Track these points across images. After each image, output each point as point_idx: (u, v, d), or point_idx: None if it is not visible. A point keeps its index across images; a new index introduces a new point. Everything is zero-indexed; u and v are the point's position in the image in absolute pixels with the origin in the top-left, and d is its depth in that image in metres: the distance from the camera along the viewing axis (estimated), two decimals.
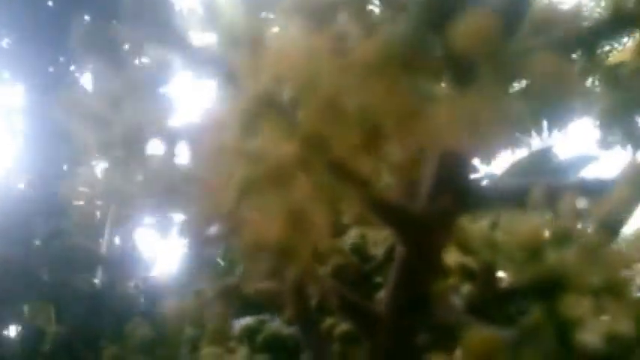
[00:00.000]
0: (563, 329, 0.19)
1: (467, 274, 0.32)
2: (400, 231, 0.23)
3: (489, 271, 0.31)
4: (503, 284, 0.32)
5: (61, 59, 0.48)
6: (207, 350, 0.28)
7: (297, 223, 0.18)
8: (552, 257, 0.19)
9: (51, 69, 0.50)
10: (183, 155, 0.20)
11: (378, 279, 0.39)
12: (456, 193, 0.23)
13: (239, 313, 0.42)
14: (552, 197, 0.20)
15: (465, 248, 0.29)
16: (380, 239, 0.35)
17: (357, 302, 0.26)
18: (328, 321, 0.36)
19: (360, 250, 0.41)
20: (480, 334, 0.19)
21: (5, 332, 0.40)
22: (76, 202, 0.45)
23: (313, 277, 0.24)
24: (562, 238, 0.19)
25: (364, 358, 0.26)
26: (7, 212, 0.41)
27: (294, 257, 0.19)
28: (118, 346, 0.32)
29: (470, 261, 0.32)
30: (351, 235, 0.35)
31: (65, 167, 0.45)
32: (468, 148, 0.15)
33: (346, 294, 0.26)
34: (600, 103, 0.24)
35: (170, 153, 0.20)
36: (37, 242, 0.41)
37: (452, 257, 0.32)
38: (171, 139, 0.20)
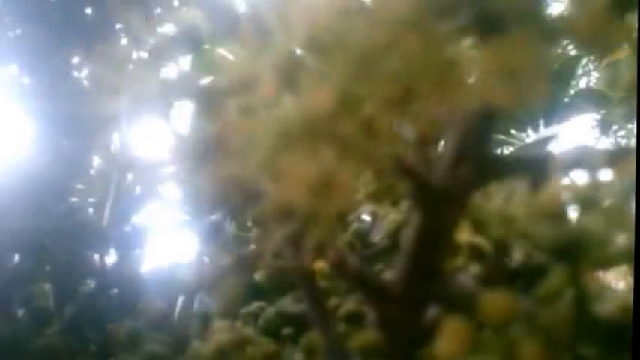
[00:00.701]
0: (583, 296, 0.19)
1: (476, 254, 0.32)
2: (418, 199, 0.23)
3: (500, 251, 0.31)
4: (513, 265, 0.32)
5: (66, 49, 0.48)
6: (218, 323, 0.28)
7: (324, 186, 0.18)
8: (574, 221, 0.19)
9: (56, 59, 0.50)
10: (210, 117, 0.20)
11: (379, 265, 0.39)
12: (477, 163, 0.23)
13: (247, 300, 0.42)
14: (574, 164, 0.21)
15: (479, 225, 0.29)
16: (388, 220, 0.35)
17: (367, 272, 0.26)
18: (333, 300, 0.36)
19: (361, 236, 0.42)
20: (496, 297, 0.19)
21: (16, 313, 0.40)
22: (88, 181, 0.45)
23: (332, 245, 0.24)
24: (585, 202, 0.20)
25: (373, 330, 0.26)
26: (18, 190, 0.41)
27: (317, 222, 0.19)
28: (132, 321, 0.32)
29: (480, 241, 0.32)
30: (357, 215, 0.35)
31: (77, 147, 0.45)
32: (504, 101, 0.15)
33: (357, 264, 0.26)
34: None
35: (197, 114, 0.20)
36: (49, 220, 0.41)
37: (462, 236, 0.32)
38: (199, 99, 0.20)
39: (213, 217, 0.27)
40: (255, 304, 0.41)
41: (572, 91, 0.64)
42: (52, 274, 0.41)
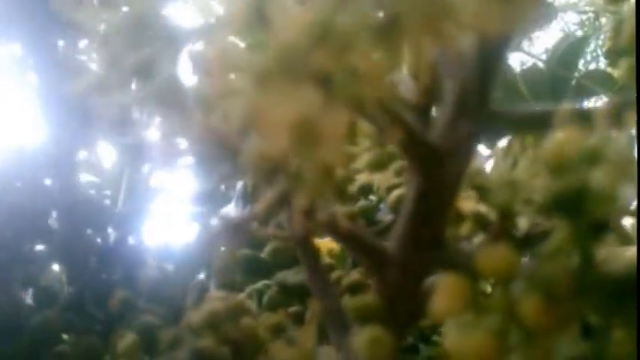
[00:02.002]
0: (588, 251, 0.18)
1: (481, 223, 0.31)
2: (416, 158, 0.23)
3: (505, 219, 0.30)
4: (519, 234, 0.31)
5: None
6: (214, 293, 0.27)
7: (308, 132, 0.17)
8: (580, 173, 0.18)
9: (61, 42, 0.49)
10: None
11: None
12: (478, 118, 0.22)
13: (249, 281, 0.41)
14: (579, 118, 0.20)
15: (482, 191, 0.28)
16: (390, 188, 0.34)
17: (367, 238, 0.26)
18: (336, 272, 0.35)
19: (367, 214, 0.41)
20: (496, 251, 0.18)
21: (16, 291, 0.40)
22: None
23: (324, 206, 0.23)
24: (588, 156, 0.18)
25: (374, 296, 0.25)
26: (15, 166, 0.41)
27: (304, 176, 0.18)
28: (128, 290, 0.32)
29: (485, 209, 0.31)
30: (359, 183, 0.34)
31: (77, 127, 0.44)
32: (500, 29, 0.14)
33: (356, 230, 0.25)
34: None
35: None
36: (49, 197, 0.40)
37: (467, 205, 0.32)
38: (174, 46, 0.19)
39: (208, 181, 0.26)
40: (261, 282, 0.41)
41: (578, 75, 0.63)
42: (54, 252, 0.41)
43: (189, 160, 0.23)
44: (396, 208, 0.36)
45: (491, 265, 0.18)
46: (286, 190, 0.21)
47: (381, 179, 0.32)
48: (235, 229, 0.25)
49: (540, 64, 0.63)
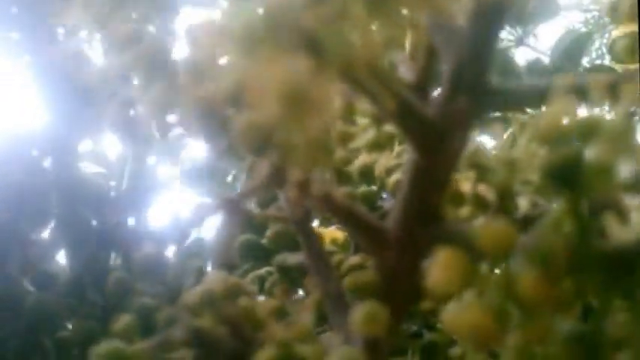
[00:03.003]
0: (586, 226, 0.18)
1: (481, 204, 0.31)
2: (413, 134, 0.22)
3: (504, 200, 0.30)
4: (518, 216, 0.31)
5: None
6: (212, 273, 0.27)
7: (298, 98, 0.16)
8: (576, 145, 0.18)
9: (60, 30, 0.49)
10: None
11: None
12: (474, 93, 0.22)
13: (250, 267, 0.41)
14: (577, 92, 0.19)
15: (481, 170, 0.28)
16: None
17: (365, 216, 0.25)
18: (337, 256, 0.35)
19: (368, 200, 0.41)
20: (495, 225, 0.18)
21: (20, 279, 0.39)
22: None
23: (320, 181, 0.22)
24: (587, 126, 0.18)
25: (373, 274, 0.25)
26: (17, 151, 0.40)
27: (295, 146, 0.18)
28: (124, 271, 0.32)
29: (484, 190, 0.31)
30: (358, 165, 0.34)
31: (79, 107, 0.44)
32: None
33: (354, 207, 0.25)
34: None
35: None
36: (48, 179, 0.40)
37: (466, 186, 0.31)
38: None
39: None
40: (265, 269, 0.41)
41: (582, 70, 0.63)
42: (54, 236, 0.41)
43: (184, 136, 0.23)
44: (395, 192, 0.36)
45: (490, 239, 0.18)
46: (280, 164, 0.21)
47: (380, 161, 0.32)
48: (231, 206, 0.25)
49: (544, 59, 0.63)
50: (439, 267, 0.18)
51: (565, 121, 0.19)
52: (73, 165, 0.41)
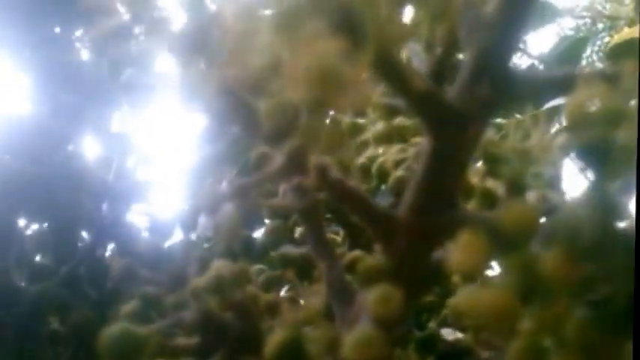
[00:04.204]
0: (606, 206, 0.18)
1: (489, 198, 0.31)
2: (434, 120, 0.22)
3: (514, 194, 0.30)
4: None
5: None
6: (218, 263, 0.26)
7: (332, 79, 0.16)
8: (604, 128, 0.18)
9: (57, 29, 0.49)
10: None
11: None
12: (495, 80, 0.22)
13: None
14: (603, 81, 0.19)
15: (493, 160, 0.28)
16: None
17: (375, 205, 0.25)
18: (339, 249, 0.35)
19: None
20: (520, 205, 0.18)
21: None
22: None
23: (337, 163, 0.22)
24: (614, 112, 0.18)
25: (383, 263, 0.25)
26: (13, 138, 0.40)
27: (318, 133, 0.18)
28: (127, 259, 0.31)
29: (494, 185, 0.31)
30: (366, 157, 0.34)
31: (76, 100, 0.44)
32: None
33: (364, 194, 0.25)
34: None
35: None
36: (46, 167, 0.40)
37: (475, 180, 0.31)
38: None
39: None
40: (257, 267, 0.40)
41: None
42: (50, 225, 0.40)
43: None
44: (396, 190, 0.36)
45: (515, 219, 0.18)
46: (297, 150, 0.21)
47: (386, 154, 0.32)
48: (243, 192, 0.25)
49: (538, 65, 0.63)
50: (462, 248, 0.18)
51: (592, 103, 0.19)
52: (71, 154, 0.41)
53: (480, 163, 0.31)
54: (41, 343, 0.37)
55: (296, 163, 0.22)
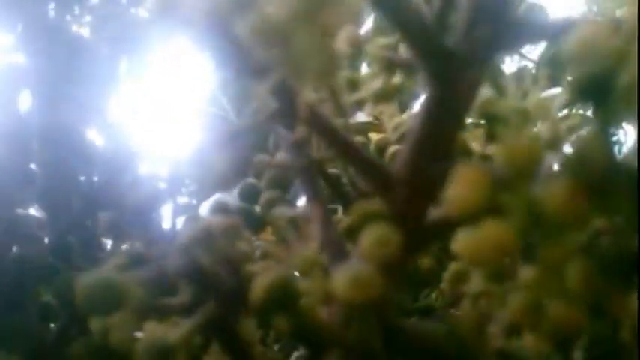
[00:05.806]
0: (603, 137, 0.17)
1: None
2: (432, 63, 0.21)
3: None
4: None
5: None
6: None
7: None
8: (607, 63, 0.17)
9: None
10: None
11: None
12: (496, 24, 0.21)
13: None
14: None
15: (492, 119, 0.27)
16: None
17: (372, 159, 0.24)
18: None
19: None
20: (519, 141, 0.17)
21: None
22: None
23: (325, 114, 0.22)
24: (615, 50, 0.17)
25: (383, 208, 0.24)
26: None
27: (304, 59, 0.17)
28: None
29: (492, 150, 0.30)
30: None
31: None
32: None
33: (359, 145, 0.24)
34: None
35: None
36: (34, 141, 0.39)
37: (474, 145, 0.31)
38: None
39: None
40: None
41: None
42: (38, 193, 0.39)
43: None
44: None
45: (516, 155, 0.17)
46: (286, 88, 0.20)
47: (384, 114, 0.31)
48: (234, 138, 0.24)
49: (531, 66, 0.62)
50: (461, 182, 0.17)
51: (596, 39, 0.18)
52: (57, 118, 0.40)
53: (479, 128, 0.30)
54: (29, 316, 0.36)
55: (286, 104, 0.21)
